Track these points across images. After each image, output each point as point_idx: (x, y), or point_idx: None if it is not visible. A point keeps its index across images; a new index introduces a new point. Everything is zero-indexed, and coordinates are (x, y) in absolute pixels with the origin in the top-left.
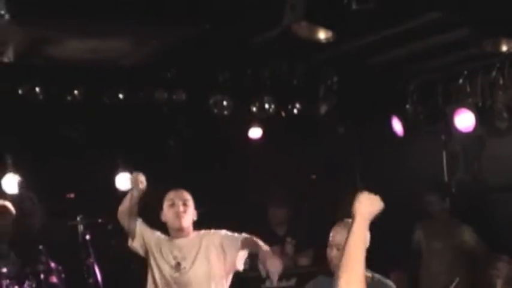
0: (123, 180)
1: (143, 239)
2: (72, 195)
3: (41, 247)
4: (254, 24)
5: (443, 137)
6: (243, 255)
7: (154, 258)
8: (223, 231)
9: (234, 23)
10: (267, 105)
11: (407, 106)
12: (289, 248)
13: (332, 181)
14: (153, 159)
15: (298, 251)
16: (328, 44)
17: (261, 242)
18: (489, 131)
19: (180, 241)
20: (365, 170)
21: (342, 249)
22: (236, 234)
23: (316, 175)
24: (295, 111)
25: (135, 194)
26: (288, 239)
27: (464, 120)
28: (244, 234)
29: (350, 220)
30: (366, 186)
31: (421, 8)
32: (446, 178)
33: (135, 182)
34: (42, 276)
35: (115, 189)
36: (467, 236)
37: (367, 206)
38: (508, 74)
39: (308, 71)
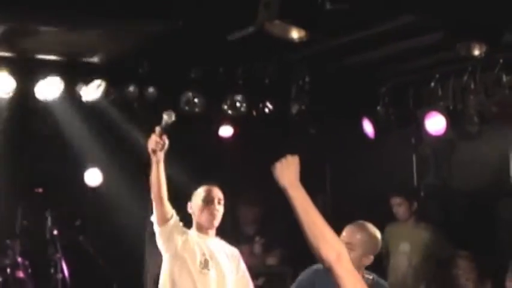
0: (91, 176)
1: (174, 233)
2: (40, 190)
3: (7, 241)
4: (228, 21)
5: (413, 140)
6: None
7: (177, 254)
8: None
9: (208, 20)
10: (238, 104)
11: (379, 108)
12: (257, 248)
13: (302, 181)
14: (122, 155)
15: (267, 251)
16: (301, 43)
17: None
18: (460, 135)
19: (209, 240)
20: (335, 170)
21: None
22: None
23: None
24: (266, 110)
25: (155, 159)
26: (257, 238)
27: (435, 123)
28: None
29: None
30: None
31: (395, 10)
32: (415, 181)
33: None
34: (8, 270)
35: (84, 185)
36: (434, 238)
37: (288, 174)
38: (480, 79)
39: (280, 70)
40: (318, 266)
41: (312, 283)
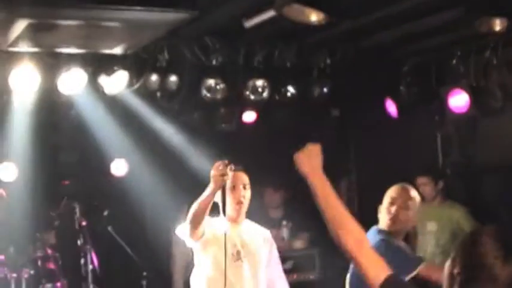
0: (117, 167)
1: (204, 234)
2: (67, 182)
3: (37, 234)
4: (246, 6)
5: (437, 118)
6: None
7: (207, 249)
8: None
9: (226, 6)
10: (260, 89)
11: (401, 88)
12: (284, 232)
13: (327, 164)
14: (146, 145)
15: (294, 235)
16: (320, 26)
17: None
18: (483, 111)
19: (239, 227)
20: (359, 152)
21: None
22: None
23: None
24: (288, 94)
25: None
26: (284, 222)
27: (458, 100)
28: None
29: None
30: (359, 169)
31: None
32: (440, 159)
33: (217, 176)
34: (39, 262)
35: (110, 176)
36: (462, 217)
37: (309, 162)
38: (502, 54)
39: (301, 54)
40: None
41: None
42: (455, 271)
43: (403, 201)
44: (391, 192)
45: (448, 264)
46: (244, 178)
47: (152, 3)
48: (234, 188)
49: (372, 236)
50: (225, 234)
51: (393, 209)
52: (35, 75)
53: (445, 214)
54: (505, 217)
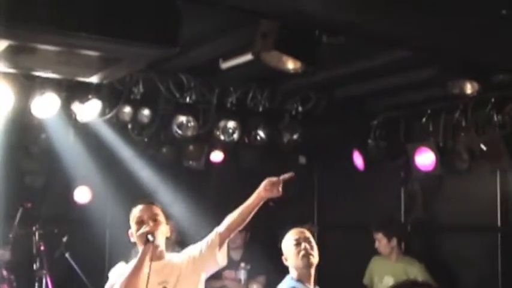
0: (81, 194)
1: None
2: (29, 205)
3: None
4: (223, 49)
5: (402, 174)
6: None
7: None
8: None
9: (203, 47)
10: (230, 130)
11: (370, 141)
12: (242, 274)
13: (289, 210)
14: (113, 174)
15: (251, 277)
16: (295, 74)
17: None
18: (449, 171)
19: (156, 264)
20: (324, 201)
21: None
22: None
23: (275, 203)
24: (258, 138)
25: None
26: (242, 264)
27: (425, 158)
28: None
29: None
30: (322, 217)
31: (390, 46)
32: (403, 215)
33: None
34: None
35: (73, 202)
36: (419, 273)
37: None
38: (471, 117)
39: (273, 99)
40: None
41: None
42: None
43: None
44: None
45: None
46: (153, 209)
47: (133, 36)
48: (140, 222)
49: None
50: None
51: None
52: (9, 96)
53: (402, 269)
54: (461, 276)
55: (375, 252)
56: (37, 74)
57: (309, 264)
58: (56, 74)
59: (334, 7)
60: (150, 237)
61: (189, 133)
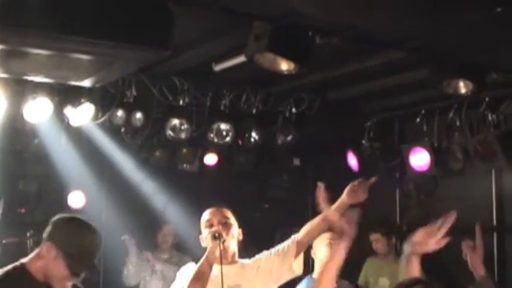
0: (75, 198)
1: None
2: (23, 210)
3: None
4: (216, 51)
5: (397, 175)
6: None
7: None
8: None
9: (196, 49)
10: (224, 133)
11: (364, 142)
12: None
13: (284, 212)
14: (106, 179)
15: None
16: (289, 76)
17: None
18: (443, 171)
19: (228, 268)
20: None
21: None
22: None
23: (269, 204)
24: (252, 140)
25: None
26: None
27: (419, 159)
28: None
29: None
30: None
31: (384, 47)
32: (398, 216)
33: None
34: None
35: (67, 207)
36: (414, 275)
37: None
38: (465, 116)
39: (267, 102)
40: None
41: None
42: None
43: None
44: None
45: None
46: (224, 212)
47: (125, 39)
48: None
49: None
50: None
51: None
52: (1, 101)
53: (398, 270)
54: (457, 275)
55: (371, 253)
56: (29, 78)
57: None
58: (47, 78)
59: (327, 8)
60: (217, 234)
61: (183, 136)
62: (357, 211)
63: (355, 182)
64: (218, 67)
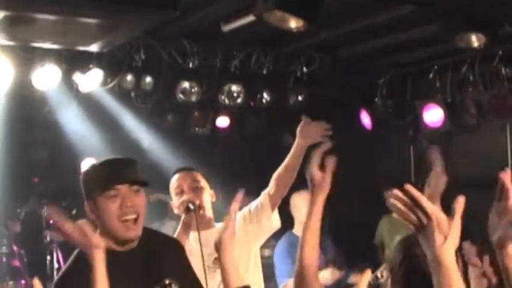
0: (87, 165)
1: None
2: (36, 180)
3: (3, 230)
4: (225, 11)
5: (411, 132)
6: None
7: None
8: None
9: (204, 10)
10: (235, 94)
11: (376, 100)
12: None
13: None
14: (118, 144)
15: None
16: (298, 34)
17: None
18: (457, 127)
19: (205, 234)
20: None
21: None
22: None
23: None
24: (263, 101)
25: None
26: None
27: (433, 115)
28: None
29: None
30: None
31: (394, 0)
32: (413, 173)
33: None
34: (4, 259)
35: (80, 174)
36: None
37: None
38: (478, 70)
39: (278, 62)
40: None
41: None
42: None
43: None
44: None
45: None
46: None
47: (132, 1)
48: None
49: None
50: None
51: None
52: (8, 69)
53: None
54: (471, 232)
55: (386, 211)
56: (36, 45)
57: None
58: (55, 44)
59: None
60: (190, 205)
61: (193, 99)
62: (332, 159)
63: (302, 122)
64: (227, 27)
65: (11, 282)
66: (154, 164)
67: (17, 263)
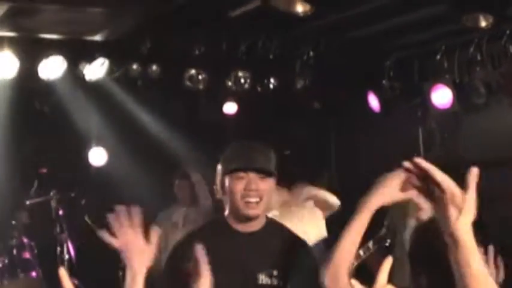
0: (96, 156)
1: None
2: (44, 170)
3: (13, 222)
4: None
5: (419, 113)
6: None
7: None
8: None
9: None
10: (242, 80)
11: (384, 82)
12: None
13: (308, 155)
14: (126, 133)
15: None
16: (305, 17)
17: None
18: (466, 107)
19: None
20: (340, 145)
21: None
22: None
23: (291, 150)
24: (271, 86)
25: None
26: None
27: (441, 96)
28: None
29: None
30: (340, 162)
31: None
32: (422, 154)
33: None
34: (14, 251)
35: (89, 165)
36: None
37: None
38: (486, 50)
39: (284, 45)
40: None
41: None
42: None
43: None
44: None
45: None
46: None
47: None
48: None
49: None
50: None
51: None
52: (14, 61)
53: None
54: (483, 211)
55: None
56: (41, 35)
57: None
58: (60, 35)
59: None
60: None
61: (201, 86)
62: None
63: None
64: (234, 12)
65: (22, 275)
66: (163, 151)
67: (27, 254)
